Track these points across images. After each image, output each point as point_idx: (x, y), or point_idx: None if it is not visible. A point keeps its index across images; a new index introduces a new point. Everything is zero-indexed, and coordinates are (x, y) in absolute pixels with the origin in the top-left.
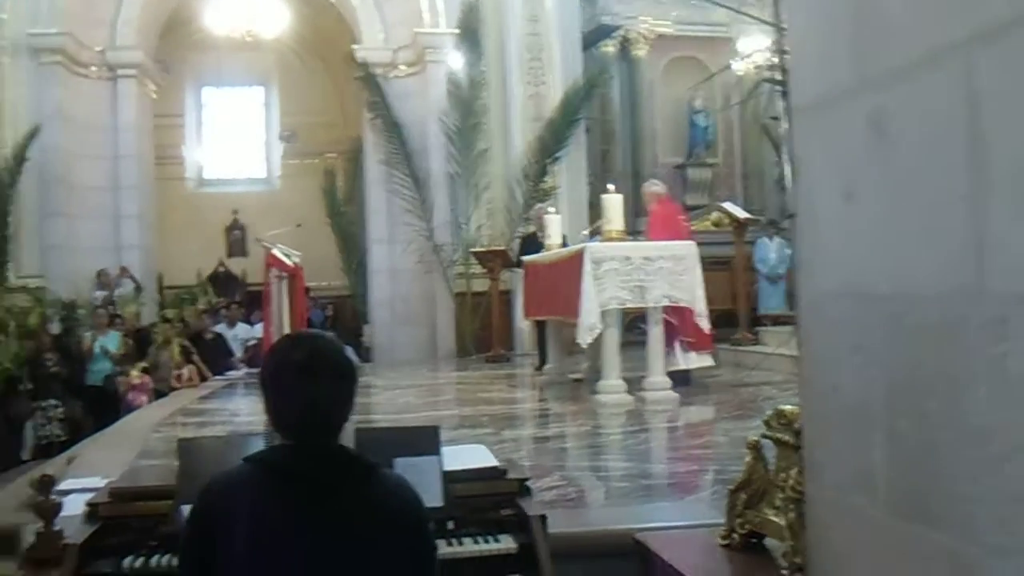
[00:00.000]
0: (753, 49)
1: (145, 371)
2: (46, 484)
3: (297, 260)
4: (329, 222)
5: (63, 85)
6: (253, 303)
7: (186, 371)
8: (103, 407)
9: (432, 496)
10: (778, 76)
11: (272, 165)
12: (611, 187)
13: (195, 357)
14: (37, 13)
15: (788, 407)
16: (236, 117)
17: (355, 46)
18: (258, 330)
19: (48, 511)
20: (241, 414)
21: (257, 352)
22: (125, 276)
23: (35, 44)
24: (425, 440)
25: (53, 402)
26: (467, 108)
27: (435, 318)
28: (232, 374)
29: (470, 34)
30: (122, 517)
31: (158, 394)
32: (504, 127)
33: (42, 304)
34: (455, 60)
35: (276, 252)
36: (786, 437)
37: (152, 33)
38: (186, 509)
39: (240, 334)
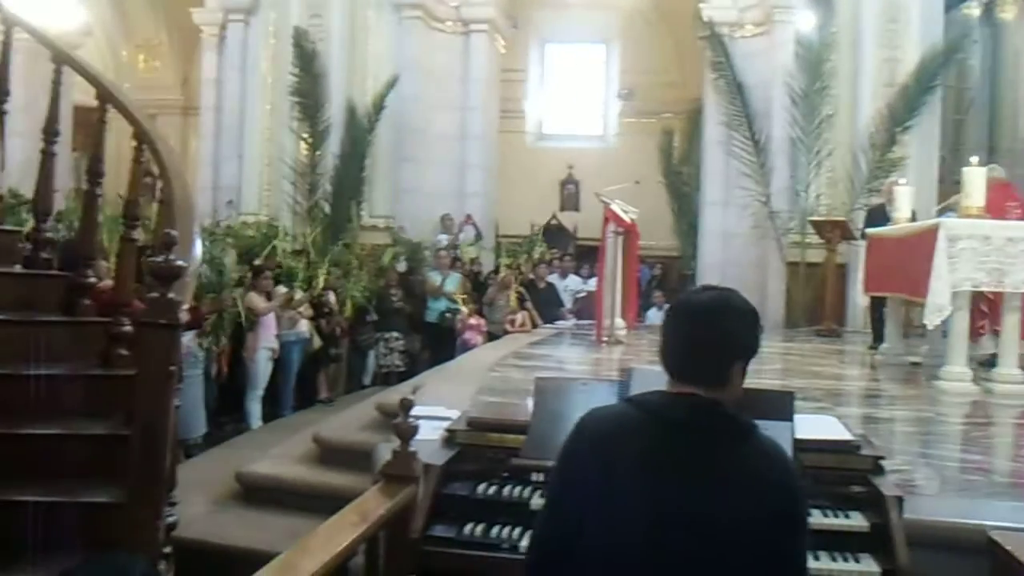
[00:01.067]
0: None
1: (480, 313)
2: (406, 408)
3: (634, 217)
4: (663, 182)
5: (420, 38)
6: (583, 257)
7: (520, 316)
8: (439, 343)
9: None
10: None
11: (609, 123)
12: (974, 160)
13: (528, 304)
14: None
15: None
16: (576, 74)
17: (702, 4)
18: (590, 283)
19: (406, 433)
20: (568, 362)
21: (586, 304)
22: (469, 223)
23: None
24: (779, 405)
25: (395, 334)
26: (814, 71)
27: (765, 286)
28: (561, 323)
29: None
30: (477, 446)
31: (490, 336)
32: (852, 92)
33: (399, 243)
34: (804, 20)
35: (615, 207)
36: None
37: None
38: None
39: (571, 286)
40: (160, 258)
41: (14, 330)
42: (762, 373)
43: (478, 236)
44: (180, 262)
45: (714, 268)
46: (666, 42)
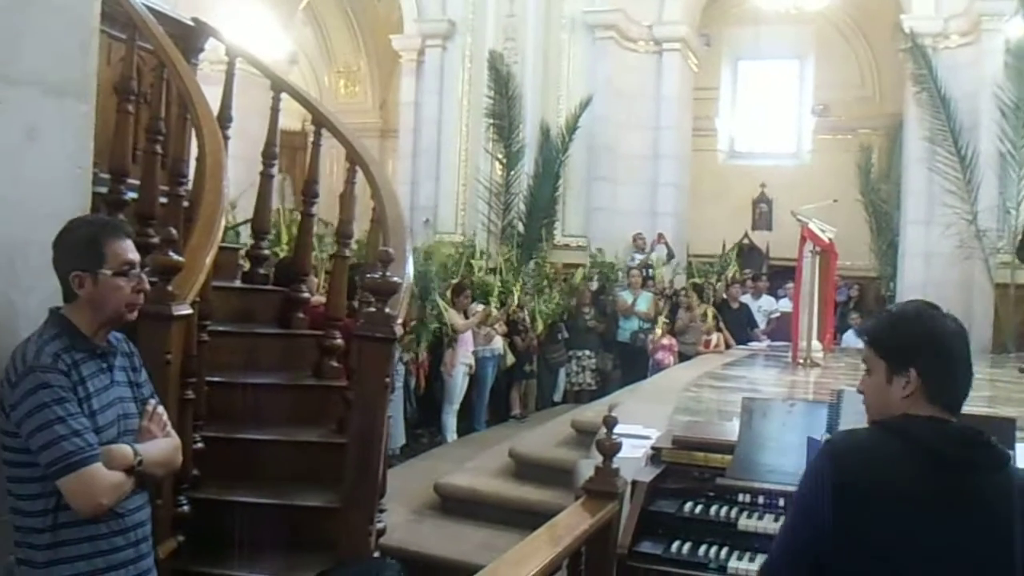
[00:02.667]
0: None
1: (672, 333)
2: (610, 425)
3: (832, 236)
4: (860, 200)
5: (613, 59)
6: (775, 277)
7: (714, 337)
8: (630, 362)
9: None
10: None
11: (803, 139)
12: None
13: (721, 324)
14: None
15: None
16: (769, 90)
17: (903, 16)
18: (783, 304)
19: (609, 450)
20: (763, 384)
21: (780, 325)
22: (660, 242)
23: (590, 21)
24: (999, 432)
25: (587, 353)
26: None
27: (971, 308)
28: (754, 345)
29: None
30: (682, 464)
31: (682, 356)
32: None
33: (594, 265)
34: (1015, 28)
35: (812, 226)
36: None
37: (696, 8)
38: (745, 461)
39: (764, 306)
40: (377, 274)
41: (233, 341)
42: (969, 400)
43: (670, 255)
44: (395, 278)
45: (915, 289)
46: (862, 55)
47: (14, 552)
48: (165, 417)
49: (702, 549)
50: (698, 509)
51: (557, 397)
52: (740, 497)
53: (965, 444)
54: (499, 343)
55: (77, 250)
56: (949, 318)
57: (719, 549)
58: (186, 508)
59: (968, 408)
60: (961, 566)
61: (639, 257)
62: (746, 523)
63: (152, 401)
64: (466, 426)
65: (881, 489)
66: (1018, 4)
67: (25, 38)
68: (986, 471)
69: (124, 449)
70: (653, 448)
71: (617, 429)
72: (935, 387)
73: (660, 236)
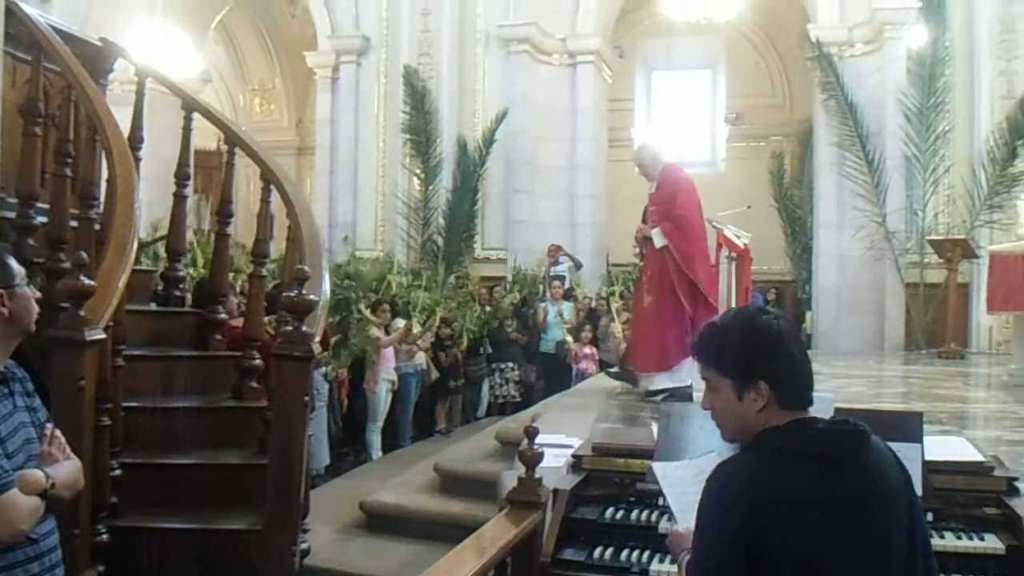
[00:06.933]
0: None
1: (593, 343)
2: (531, 435)
3: (747, 242)
4: (775, 205)
5: (528, 72)
6: None
7: (625, 346)
8: (554, 373)
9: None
10: None
11: (717, 148)
12: None
13: None
14: (507, 6)
15: None
16: (683, 100)
17: (809, 25)
18: None
19: (531, 460)
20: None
21: None
22: (561, 254)
23: (504, 35)
24: (907, 426)
25: (511, 365)
26: (928, 86)
27: (883, 308)
28: None
29: (933, 7)
30: (602, 471)
31: (604, 365)
32: (969, 106)
33: (519, 282)
34: (916, 36)
35: (727, 232)
36: None
37: (609, 20)
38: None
39: None
40: (293, 292)
41: (149, 365)
42: (885, 396)
43: (578, 265)
44: (312, 296)
45: (829, 291)
46: (772, 64)
47: None
48: (63, 439)
49: (624, 554)
50: (619, 514)
51: (481, 411)
52: (660, 500)
53: (848, 436)
54: (421, 358)
55: None
56: (772, 315)
57: (640, 553)
58: (105, 537)
59: (882, 403)
60: (875, 552)
61: (545, 269)
62: (666, 525)
63: (49, 425)
64: (391, 443)
65: (795, 517)
66: (918, 13)
67: None
68: (856, 455)
69: (37, 474)
70: (574, 456)
71: (539, 439)
72: (787, 391)
73: (558, 248)
